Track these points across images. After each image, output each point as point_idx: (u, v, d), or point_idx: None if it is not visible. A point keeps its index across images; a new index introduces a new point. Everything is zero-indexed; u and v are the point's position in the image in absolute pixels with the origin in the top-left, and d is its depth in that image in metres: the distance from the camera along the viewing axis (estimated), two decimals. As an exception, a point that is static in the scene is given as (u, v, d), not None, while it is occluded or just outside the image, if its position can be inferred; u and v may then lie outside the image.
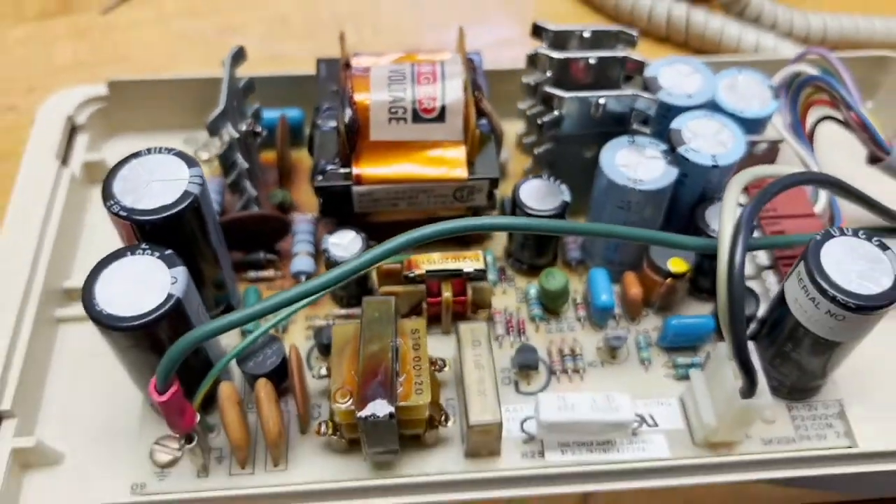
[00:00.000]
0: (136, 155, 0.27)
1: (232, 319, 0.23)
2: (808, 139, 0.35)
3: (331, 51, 0.34)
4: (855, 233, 0.26)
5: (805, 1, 0.46)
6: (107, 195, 0.26)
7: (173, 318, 0.24)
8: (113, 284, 0.24)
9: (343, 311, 0.31)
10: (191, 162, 0.26)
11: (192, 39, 0.45)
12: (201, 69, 0.40)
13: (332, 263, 0.30)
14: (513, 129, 0.36)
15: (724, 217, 0.25)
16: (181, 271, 0.25)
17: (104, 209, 0.33)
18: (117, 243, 0.26)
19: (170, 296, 0.24)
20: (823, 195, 0.33)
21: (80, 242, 0.34)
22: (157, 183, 0.26)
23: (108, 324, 0.24)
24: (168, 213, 0.25)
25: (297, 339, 0.31)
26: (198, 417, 0.26)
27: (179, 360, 0.23)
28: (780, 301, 0.27)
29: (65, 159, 0.35)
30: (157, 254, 0.25)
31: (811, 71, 0.34)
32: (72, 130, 0.36)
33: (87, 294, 0.24)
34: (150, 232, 0.25)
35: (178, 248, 0.25)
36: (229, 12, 0.46)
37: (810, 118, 0.35)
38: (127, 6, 0.46)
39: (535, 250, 0.32)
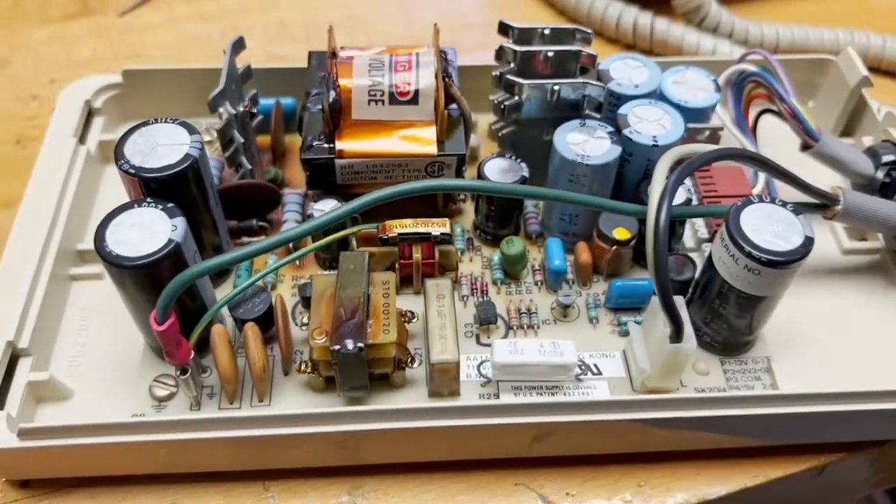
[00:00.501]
0: (145, 123, 0.31)
1: (224, 259, 0.27)
2: (752, 132, 0.39)
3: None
4: (772, 200, 0.30)
5: (760, 12, 0.51)
6: (118, 156, 0.29)
7: (172, 259, 0.28)
8: (121, 231, 0.28)
9: (325, 273, 0.35)
10: (192, 130, 0.30)
11: (201, 41, 0.49)
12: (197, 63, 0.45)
13: (315, 227, 0.33)
14: (486, 120, 0.40)
15: (654, 185, 0.29)
16: (181, 221, 0.28)
17: (115, 182, 0.37)
18: None
19: (170, 240, 0.28)
20: (762, 178, 0.37)
21: (93, 211, 0.38)
22: (163, 147, 0.30)
23: (116, 263, 0.27)
24: (171, 171, 0.29)
25: (284, 296, 0.34)
26: (192, 353, 0.30)
27: (177, 293, 0.27)
28: (709, 263, 0.31)
29: (82, 138, 0.39)
30: (160, 206, 0.29)
31: (752, 69, 0.38)
32: (89, 113, 0.40)
33: (98, 238, 0.28)
34: (154, 188, 0.29)
35: (180, 208, 0.29)
36: (234, 17, 0.51)
37: (752, 112, 0.39)
38: (142, 9, 0.51)
39: (498, 222, 0.35)
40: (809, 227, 0.29)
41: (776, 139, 0.39)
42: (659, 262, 0.28)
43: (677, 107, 0.35)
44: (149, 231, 0.28)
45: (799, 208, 0.30)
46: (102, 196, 0.39)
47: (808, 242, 0.29)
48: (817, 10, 0.52)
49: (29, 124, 0.44)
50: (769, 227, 0.29)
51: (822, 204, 0.33)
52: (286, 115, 0.39)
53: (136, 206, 0.29)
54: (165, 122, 0.31)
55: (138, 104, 0.41)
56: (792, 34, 0.47)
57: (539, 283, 0.35)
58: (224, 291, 0.34)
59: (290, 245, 0.35)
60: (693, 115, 0.35)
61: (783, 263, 0.28)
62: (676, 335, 0.29)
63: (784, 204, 0.30)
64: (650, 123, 0.34)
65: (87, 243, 0.36)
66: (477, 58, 0.43)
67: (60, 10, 0.51)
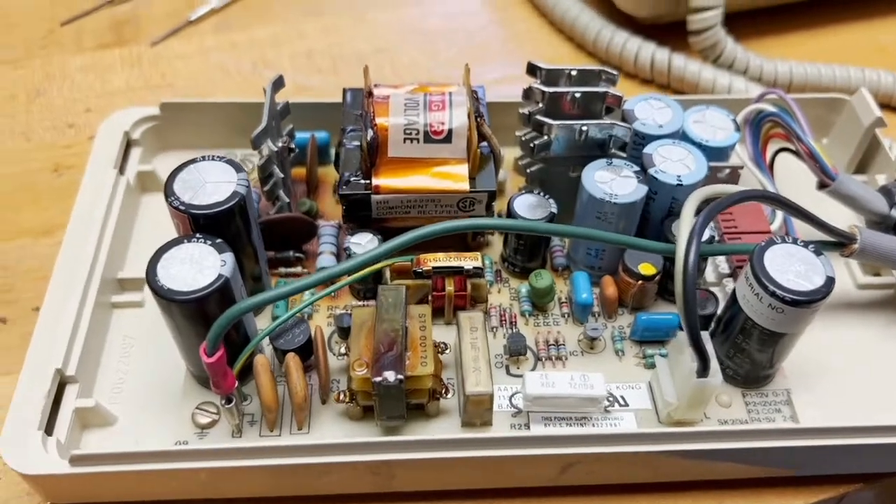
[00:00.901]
0: (192, 161, 0.32)
1: (272, 294, 0.28)
2: (769, 169, 0.40)
3: (352, 84, 0.39)
4: (794, 241, 0.31)
5: (772, 49, 0.52)
6: (168, 192, 0.31)
7: (221, 293, 0.29)
8: (172, 265, 0.29)
9: (360, 303, 0.36)
10: (238, 168, 0.32)
11: (229, 71, 0.50)
12: (238, 97, 0.46)
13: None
14: (511, 154, 0.41)
15: (682, 224, 0.30)
16: (229, 256, 0.30)
17: (151, 212, 0.38)
18: (163, 241, 0.30)
19: (220, 275, 0.29)
20: (779, 216, 0.38)
21: (132, 241, 0.39)
22: (211, 184, 0.31)
23: (168, 297, 0.29)
24: (220, 208, 0.30)
25: (320, 325, 0.36)
26: (236, 382, 0.31)
27: (227, 327, 0.28)
28: (733, 300, 0.32)
29: (121, 169, 0.40)
30: (209, 242, 0.30)
31: (770, 108, 0.39)
32: (127, 144, 0.41)
33: (150, 272, 0.29)
34: (203, 224, 0.30)
35: (225, 241, 0.30)
36: (263, 48, 0.52)
37: (769, 150, 0.40)
38: (172, 39, 0.52)
39: (527, 255, 0.37)
40: (830, 267, 0.30)
41: (792, 177, 0.40)
42: (688, 301, 0.29)
43: (698, 146, 0.36)
44: (198, 266, 0.29)
45: (819, 248, 0.31)
46: (140, 225, 0.40)
47: (830, 283, 0.30)
48: (828, 47, 0.53)
49: (66, 153, 0.45)
50: (792, 266, 0.30)
51: (840, 242, 0.34)
52: (319, 148, 0.41)
53: (185, 241, 0.30)
54: (213, 159, 0.32)
55: (173, 135, 0.42)
56: (805, 72, 0.48)
57: (566, 315, 0.36)
58: (262, 320, 0.36)
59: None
60: (713, 153, 0.37)
61: (806, 303, 0.30)
62: (703, 370, 0.30)
63: (806, 244, 0.31)
64: (674, 163, 0.35)
65: (128, 272, 0.37)
66: (500, 92, 0.44)
67: (94, 39, 0.52)
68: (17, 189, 0.43)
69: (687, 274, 0.29)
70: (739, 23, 0.51)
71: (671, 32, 0.51)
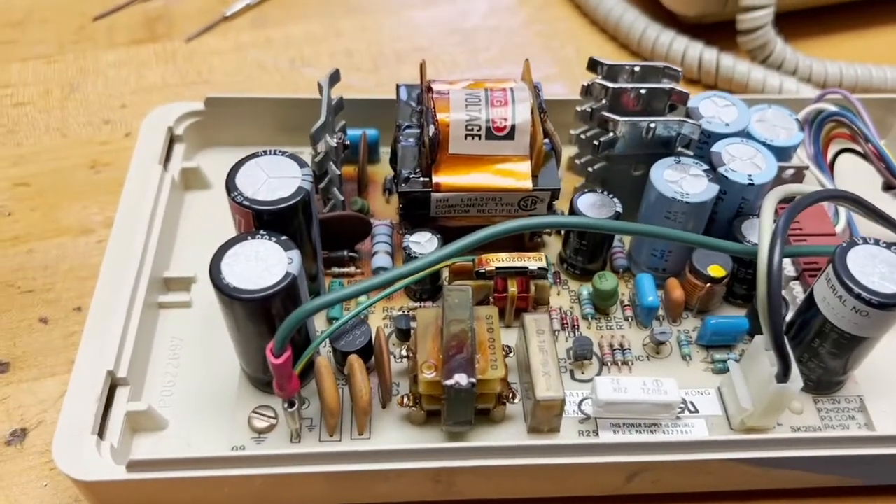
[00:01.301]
0: (254, 155, 0.31)
1: (344, 293, 0.27)
2: (829, 169, 0.39)
3: (392, 82, 0.38)
4: (876, 242, 0.30)
5: (816, 49, 0.51)
6: (231, 187, 0.30)
7: (289, 292, 0.28)
8: (237, 263, 0.28)
9: (416, 305, 0.35)
10: (302, 163, 0.30)
11: (267, 68, 0.49)
12: (279, 94, 0.45)
13: (410, 259, 0.34)
14: (564, 153, 0.40)
15: (763, 224, 0.29)
16: (296, 254, 0.28)
17: (195, 209, 0.37)
18: (209, 240, 0.29)
19: (288, 273, 0.28)
20: (843, 217, 0.37)
21: (177, 239, 0.38)
22: (274, 179, 0.30)
23: (232, 295, 0.27)
24: (286, 204, 0.29)
25: (377, 326, 0.34)
26: (300, 386, 0.29)
27: (296, 326, 0.27)
28: (810, 302, 0.31)
29: (165, 165, 0.39)
30: (274, 238, 0.29)
31: (832, 108, 0.38)
32: (171, 140, 0.40)
33: (214, 270, 0.28)
34: (266, 220, 0.29)
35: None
36: (300, 46, 0.51)
37: (831, 151, 0.39)
38: (208, 35, 0.51)
39: (588, 256, 0.36)
40: (916, 269, 0.30)
41: (853, 178, 0.40)
42: (772, 304, 0.28)
43: (763, 145, 0.35)
44: (264, 264, 0.28)
45: (901, 250, 0.30)
46: (184, 223, 0.39)
47: (917, 285, 0.29)
48: (876, 48, 0.52)
49: (103, 149, 0.44)
50: (875, 268, 0.29)
51: (914, 245, 0.33)
52: (369, 146, 0.40)
53: (249, 237, 0.29)
54: (275, 154, 0.31)
55: (217, 131, 0.41)
56: (856, 73, 0.47)
57: (629, 319, 0.35)
58: (317, 322, 0.35)
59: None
60: (777, 153, 0.36)
61: (893, 305, 0.29)
62: (784, 375, 0.29)
63: (888, 246, 0.30)
64: (744, 162, 0.34)
65: (174, 271, 0.36)
66: (545, 90, 0.43)
67: (127, 34, 0.51)
68: (55, 186, 0.42)
69: (772, 275, 0.28)
70: (787, 23, 0.50)
71: (716, 32, 0.50)
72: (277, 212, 0.29)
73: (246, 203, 0.29)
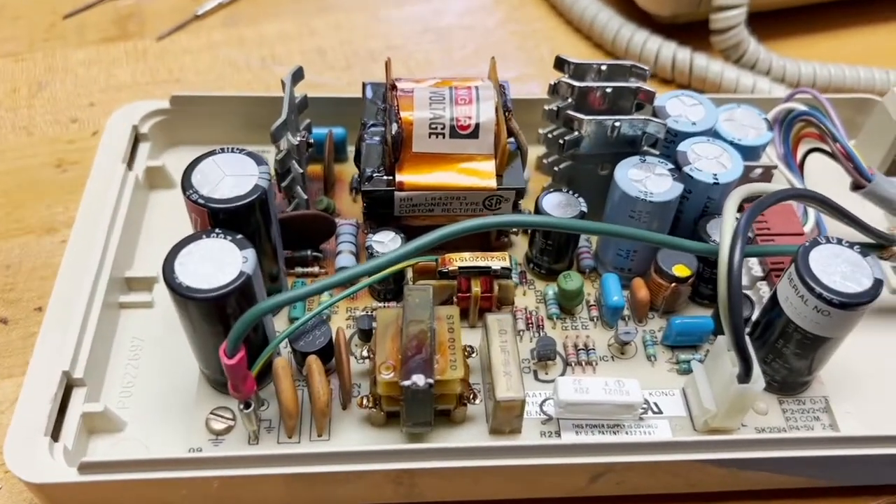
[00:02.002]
0: (211, 153, 0.30)
1: (299, 292, 0.27)
2: (799, 169, 0.39)
3: (365, 81, 0.38)
4: (839, 241, 0.30)
5: (791, 49, 0.51)
6: (186, 185, 0.29)
7: (243, 291, 0.27)
8: (190, 262, 0.28)
9: (380, 305, 0.35)
10: (259, 160, 0.30)
11: (238, 66, 0.49)
12: (249, 92, 0.45)
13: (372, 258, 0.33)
14: (532, 152, 0.40)
15: (725, 223, 0.29)
16: (251, 253, 0.28)
17: (159, 208, 0.37)
18: (173, 239, 0.29)
19: (241, 272, 0.27)
20: (812, 216, 0.37)
21: (140, 239, 0.38)
22: (231, 177, 0.29)
23: (186, 295, 0.27)
24: (241, 202, 0.29)
25: (339, 327, 0.34)
26: (257, 387, 0.29)
27: (250, 326, 0.27)
28: (773, 302, 0.31)
29: (129, 164, 0.39)
30: (229, 237, 0.28)
31: (802, 108, 0.38)
32: (136, 139, 0.40)
33: (167, 269, 0.28)
34: (222, 219, 0.29)
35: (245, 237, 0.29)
36: (272, 44, 0.51)
37: (800, 151, 0.39)
38: (179, 34, 0.51)
39: (553, 256, 0.35)
40: (879, 268, 0.29)
41: (822, 178, 0.39)
42: (732, 303, 0.28)
43: (731, 144, 0.35)
44: (219, 263, 0.28)
45: (865, 250, 0.30)
46: (148, 223, 0.38)
47: (878, 284, 0.29)
48: (851, 49, 0.52)
49: (69, 147, 0.43)
50: (837, 268, 0.29)
51: (880, 244, 0.33)
52: (336, 144, 0.39)
53: (204, 236, 0.28)
54: (232, 151, 0.30)
55: (183, 130, 0.41)
56: (829, 73, 0.47)
57: (595, 319, 0.35)
58: (278, 322, 0.34)
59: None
60: (745, 152, 0.35)
61: (854, 305, 0.28)
62: (746, 375, 0.29)
63: (851, 245, 0.30)
64: (709, 161, 0.34)
65: (136, 271, 0.36)
66: (517, 91, 0.43)
67: (98, 32, 0.50)
68: (20, 185, 0.41)
69: (732, 274, 0.28)
70: (760, 23, 0.50)
71: (689, 32, 0.50)
72: (233, 210, 0.29)
73: (201, 201, 0.29)
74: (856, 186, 0.36)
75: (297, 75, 0.35)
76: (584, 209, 0.34)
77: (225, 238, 0.28)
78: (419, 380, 0.28)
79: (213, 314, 0.28)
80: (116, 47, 0.50)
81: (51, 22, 0.51)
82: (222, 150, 0.30)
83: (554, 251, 0.35)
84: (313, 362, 0.30)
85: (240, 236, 0.28)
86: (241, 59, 0.49)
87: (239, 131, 0.41)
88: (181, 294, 0.27)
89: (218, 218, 0.29)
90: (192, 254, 0.28)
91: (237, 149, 0.30)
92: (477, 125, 0.34)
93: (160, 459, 0.28)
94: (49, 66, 0.48)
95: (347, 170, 0.40)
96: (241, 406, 0.29)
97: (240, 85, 0.48)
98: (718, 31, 0.48)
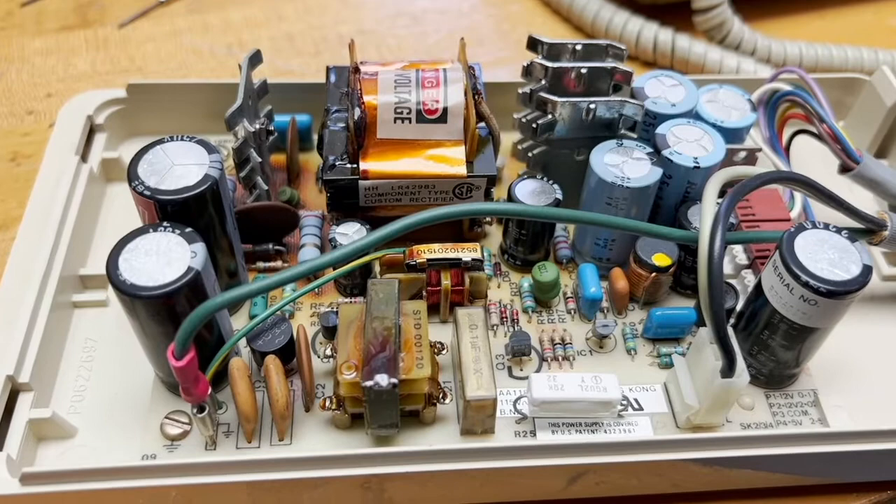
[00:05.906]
0: (160, 141, 0.29)
1: (249, 289, 0.25)
2: (785, 152, 0.38)
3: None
4: (826, 226, 0.29)
5: (778, 29, 0.50)
6: (132, 176, 0.27)
7: (192, 288, 0.26)
8: (136, 258, 0.26)
9: (347, 300, 0.33)
10: (211, 149, 0.28)
11: (203, 54, 0.47)
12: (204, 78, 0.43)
13: (337, 252, 0.31)
14: (508, 138, 0.38)
15: (705, 209, 0.27)
16: (200, 247, 0.26)
17: (118, 202, 0.35)
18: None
19: (190, 268, 0.26)
20: (798, 201, 0.36)
21: (96, 234, 0.36)
22: (180, 167, 0.28)
23: (130, 293, 0.25)
24: (190, 193, 0.27)
25: (303, 324, 0.32)
26: (210, 390, 0.27)
27: (198, 326, 0.25)
28: (758, 291, 0.29)
29: (84, 156, 0.37)
30: (177, 231, 0.27)
31: (787, 88, 0.36)
32: (91, 130, 0.38)
33: (111, 265, 0.26)
34: (171, 212, 0.27)
35: (197, 231, 0.27)
36: (239, 31, 0.49)
37: (786, 133, 0.37)
38: (142, 21, 0.49)
39: (528, 246, 0.34)
40: (867, 254, 0.28)
41: (809, 160, 0.38)
42: (714, 293, 0.26)
43: (713, 126, 0.34)
44: (166, 258, 0.26)
45: (854, 235, 0.29)
46: (105, 217, 0.36)
47: (867, 271, 0.27)
48: (837, 29, 0.51)
49: (24, 140, 0.41)
50: (824, 254, 0.28)
51: (869, 229, 0.31)
52: (300, 132, 0.37)
53: (151, 230, 0.27)
54: (182, 139, 0.29)
55: (142, 120, 0.39)
56: (816, 53, 0.46)
57: (572, 312, 0.33)
58: (238, 320, 0.32)
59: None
60: (728, 135, 0.34)
61: (842, 293, 0.27)
62: (729, 369, 0.27)
63: (839, 230, 0.28)
64: (690, 144, 0.32)
65: (91, 268, 0.34)
66: (493, 75, 0.41)
67: (57, 20, 0.48)
68: (-29, 179, 0.39)
69: (712, 263, 0.26)
70: (744, 3, 0.48)
71: (671, 13, 0.48)
72: (182, 202, 0.27)
73: (147, 193, 0.27)
74: (844, 169, 0.35)
75: (255, 59, 0.33)
76: (560, 196, 0.32)
77: (173, 232, 0.27)
78: (382, 380, 0.26)
79: (161, 313, 0.26)
80: (76, 35, 0.48)
81: (7, 10, 0.49)
82: (171, 139, 0.29)
83: (528, 241, 0.33)
84: (271, 362, 0.28)
85: (189, 230, 0.27)
86: (205, 46, 0.47)
87: (200, 121, 0.39)
88: (126, 292, 0.25)
89: (166, 210, 0.27)
90: (137, 249, 0.26)
91: (188, 137, 0.29)
92: (445, 109, 0.32)
93: (109, 468, 0.26)
94: (5, 56, 0.46)
95: (314, 159, 0.39)
96: (195, 410, 0.27)
97: (204, 73, 0.46)
98: (701, 11, 0.46)
